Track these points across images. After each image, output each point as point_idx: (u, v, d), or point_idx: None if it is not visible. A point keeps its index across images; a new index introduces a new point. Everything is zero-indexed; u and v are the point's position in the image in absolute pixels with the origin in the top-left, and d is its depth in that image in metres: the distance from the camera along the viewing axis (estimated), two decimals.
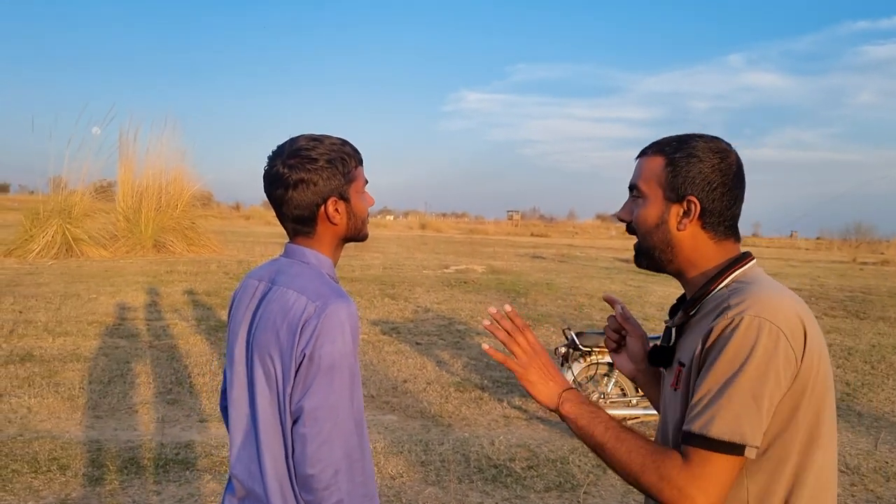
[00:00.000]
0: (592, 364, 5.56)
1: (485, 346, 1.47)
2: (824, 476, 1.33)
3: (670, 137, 1.47)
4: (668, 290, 13.50)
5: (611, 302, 1.68)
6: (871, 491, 4.69)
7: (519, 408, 6.28)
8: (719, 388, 1.24)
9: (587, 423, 1.36)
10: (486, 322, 1.44)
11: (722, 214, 1.42)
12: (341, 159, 1.65)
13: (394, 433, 5.45)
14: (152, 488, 4.27)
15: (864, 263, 30.72)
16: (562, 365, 5.57)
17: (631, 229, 1.51)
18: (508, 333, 1.44)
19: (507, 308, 1.47)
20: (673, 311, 1.53)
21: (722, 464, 1.22)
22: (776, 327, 1.25)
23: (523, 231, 55.23)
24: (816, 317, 9.26)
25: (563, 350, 5.50)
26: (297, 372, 1.53)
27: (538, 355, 1.44)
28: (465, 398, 6.49)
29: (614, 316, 1.67)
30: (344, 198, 1.68)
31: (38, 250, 14.83)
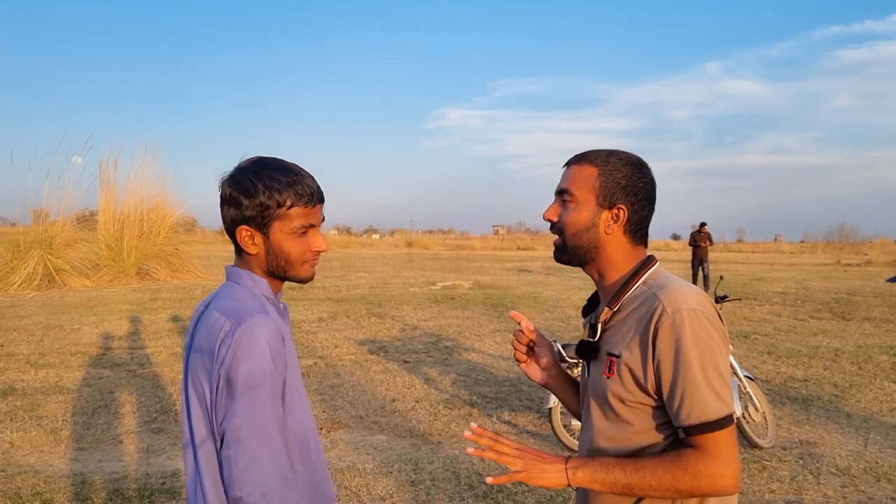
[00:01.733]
0: (580, 376, 5.54)
1: (469, 451, 1.51)
2: None
3: (598, 150, 1.63)
4: None
5: (518, 319, 1.79)
6: (863, 492, 4.68)
7: (509, 422, 6.24)
8: (693, 378, 1.41)
9: (605, 476, 1.45)
10: (470, 449, 1.49)
11: (640, 223, 1.61)
12: (269, 191, 1.58)
13: (383, 453, 5.39)
14: None
15: (848, 265, 30.99)
16: None
17: (556, 229, 1.64)
18: (493, 449, 1.50)
19: (473, 426, 1.51)
20: (586, 309, 1.72)
21: (727, 436, 1.42)
22: (707, 314, 1.45)
23: (510, 245, 55.35)
24: (802, 319, 9.33)
25: None
26: (218, 394, 1.50)
27: (525, 452, 1.51)
28: (454, 415, 6.45)
29: (521, 330, 1.80)
30: (260, 230, 1.62)
31: (19, 282, 14.70)
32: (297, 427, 1.59)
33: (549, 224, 1.67)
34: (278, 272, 1.67)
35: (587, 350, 1.63)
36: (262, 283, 1.66)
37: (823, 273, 24.98)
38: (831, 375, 8.02)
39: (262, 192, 1.58)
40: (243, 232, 1.62)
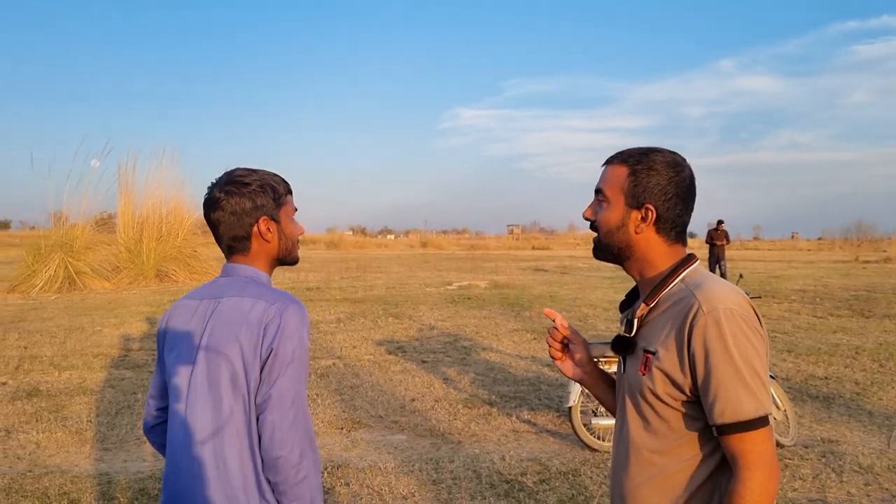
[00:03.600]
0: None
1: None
2: None
3: (634, 149, 1.64)
4: None
5: (551, 316, 1.82)
6: (887, 489, 4.66)
7: (528, 422, 6.26)
8: (727, 376, 1.41)
9: None
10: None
11: (674, 221, 1.60)
12: (272, 186, 1.86)
13: (403, 453, 5.42)
14: None
15: (867, 262, 30.71)
16: None
17: (594, 227, 1.68)
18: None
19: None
20: (624, 305, 1.73)
21: (762, 437, 1.41)
22: (744, 314, 1.45)
23: (524, 245, 55.30)
24: (821, 317, 9.28)
25: None
26: (262, 367, 1.71)
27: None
28: (473, 414, 6.47)
29: (556, 328, 1.81)
30: (274, 219, 1.87)
31: (41, 285, 14.86)
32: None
33: (586, 223, 1.70)
34: (284, 256, 1.92)
35: (623, 345, 1.64)
36: (265, 278, 1.89)
37: (842, 270, 24.77)
38: (852, 373, 7.97)
39: (269, 185, 1.86)
40: (262, 224, 1.85)
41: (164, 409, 1.93)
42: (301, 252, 2.04)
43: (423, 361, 8.59)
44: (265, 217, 1.84)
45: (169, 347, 1.85)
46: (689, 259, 1.61)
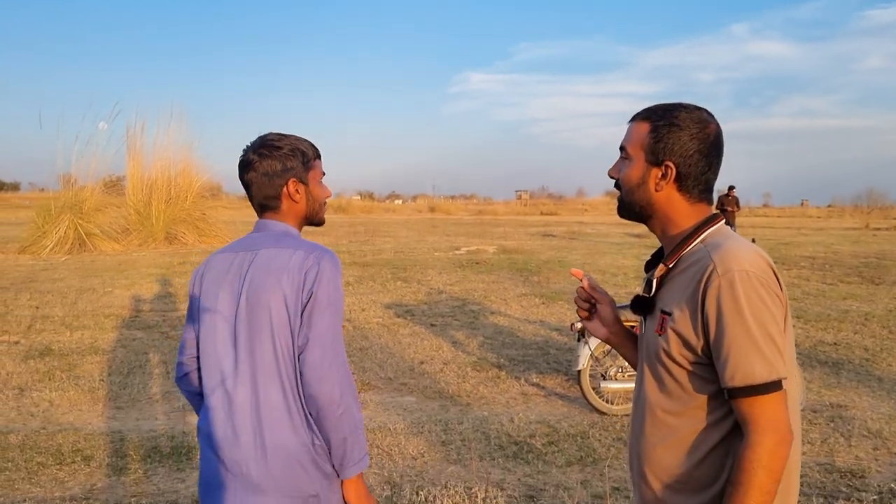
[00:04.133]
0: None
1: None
2: (792, 406, 1.46)
3: (659, 105, 1.60)
4: None
5: (578, 276, 1.81)
6: (895, 454, 4.67)
7: (537, 385, 6.28)
8: (739, 340, 1.39)
9: None
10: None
11: (696, 179, 1.56)
12: (301, 150, 2.00)
13: (413, 414, 5.46)
14: (176, 476, 4.31)
15: (878, 229, 30.50)
16: (578, 340, 5.56)
17: (617, 185, 1.66)
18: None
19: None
20: (649, 264, 1.68)
21: (774, 402, 1.39)
22: (760, 276, 1.42)
23: (532, 210, 55.14)
24: (831, 283, 9.26)
25: (578, 326, 5.48)
26: (302, 311, 1.84)
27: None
28: (482, 377, 6.50)
29: (583, 287, 1.79)
30: (303, 181, 2.00)
31: (51, 246, 14.93)
32: None
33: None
34: (312, 217, 2.06)
35: (641, 305, 1.62)
36: (296, 233, 2.02)
37: (852, 237, 24.63)
38: (861, 339, 7.95)
39: (298, 150, 1.99)
40: (292, 185, 1.98)
41: (195, 358, 2.02)
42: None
43: (432, 325, 8.62)
44: (294, 179, 1.98)
45: (206, 298, 1.96)
46: (713, 219, 1.57)
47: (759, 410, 1.38)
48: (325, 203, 2.09)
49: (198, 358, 2.01)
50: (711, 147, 1.55)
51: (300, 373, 1.86)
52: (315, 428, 1.87)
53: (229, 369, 1.91)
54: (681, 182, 1.56)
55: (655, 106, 1.60)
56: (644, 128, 1.58)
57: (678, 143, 1.54)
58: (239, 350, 1.90)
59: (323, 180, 2.10)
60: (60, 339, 7.66)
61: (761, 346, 1.38)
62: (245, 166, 2.00)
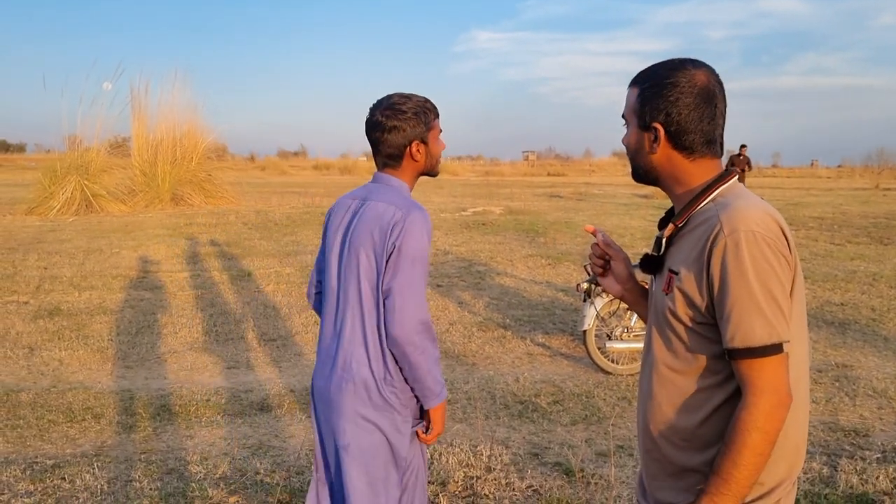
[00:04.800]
0: (615, 299, 5.54)
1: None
2: (799, 368, 1.47)
3: (649, 67, 1.59)
4: None
5: (592, 232, 1.82)
6: None
7: (542, 345, 6.31)
8: (741, 301, 1.38)
9: (726, 494, 1.40)
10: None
11: (691, 133, 1.52)
12: (424, 112, 2.18)
13: None
14: (185, 433, 4.36)
15: (888, 189, 30.25)
16: (584, 301, 5.56)
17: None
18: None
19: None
20: (662, 223, 1.65)
21: (773, 365, 1.38)
22: (767, 236, 1.40)
23: (539, 171, 54.80)
24: (839, 244, 9.19)
25: (584, 286, 5.48)
26: (387, 260, 2.07)
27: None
28: (487, 337, 6.53)
29: (597, 244, 1.80)
30: (424, 142, 2.20)
31: (58, 207, 14.94)
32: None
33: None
34: (429, 171, 2.27)
35: (649, 264, 1.61)
36: (406, 188, 2.22)
37: (861, 198, 24.45)
38: (868, 299, 7.93)
39: (422, 112, 2.18)
40: (414, 147, 2.18)
41: (319, 283, 2.35)
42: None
43: (438, 286, 8.63)
44: (417, 140, 2.18)
45: (331, 233, 2.23)
46: (725, 176, 1.54)
47: (758, 373, 1.38)
48: (440, 157, 2.31)
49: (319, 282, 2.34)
50: (699, 97, 1.51)
51: (384, 316, 2.08)
52: (390, 365, 2.11)
53: (331, 302, 2.20)
54: (675, 140, 1.53)
55: (646, 68, 1.59)
56: (634, 93, 1.58)
57: (661, 102, 1.52)
58: (340, 286, 2.17)
59: (441, 136, 2.29)
60: (69, 299, 7.71)
61: (763, 307, 1.37)
62: (372, 127, 2.18)
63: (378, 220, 2.10)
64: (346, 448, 2.13)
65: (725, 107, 1.56)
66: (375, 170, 2.29)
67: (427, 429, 2.24)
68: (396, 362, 2.11)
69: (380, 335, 2.10)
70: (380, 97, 2.23)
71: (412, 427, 2.20)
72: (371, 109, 2.20)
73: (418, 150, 2.19)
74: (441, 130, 2.29)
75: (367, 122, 2.21)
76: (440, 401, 2.19)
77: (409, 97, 2.19)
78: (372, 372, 2.11)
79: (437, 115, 2.25)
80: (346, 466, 2.14)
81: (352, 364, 2.12)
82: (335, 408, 2.15)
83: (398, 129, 2.15)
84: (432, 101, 2.25)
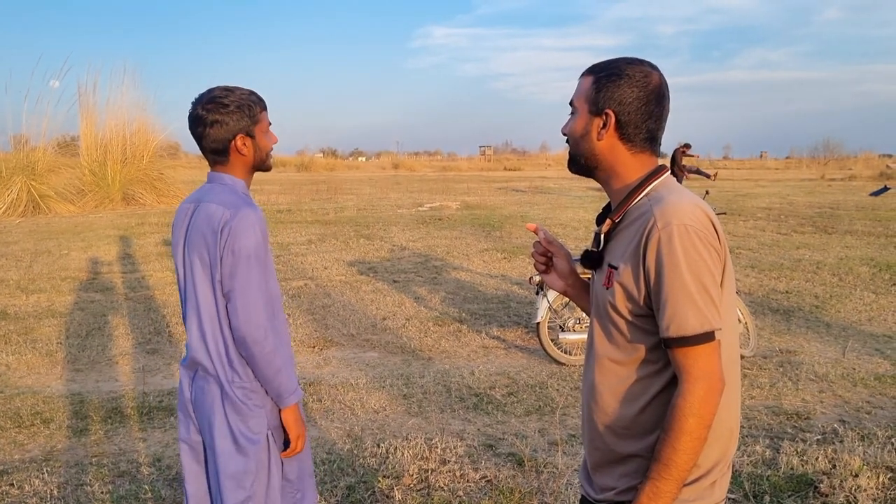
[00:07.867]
0: None
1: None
2: (729, 354, 1.53)
3: (603, 61, 1.64)
4: None
5: (534, 230, 1.85)
6: (840, 396, 4.86)
7: (497, 338, 6.37)
8: (675, 292, 1.43)
9: (668, 479, 1.45)
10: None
11: (637, 127, 1.58)
12: (248, 105, 2.10)
13: (375, 369, 5.52)
14: (138, 435, 4.32)
15: (833, 180, 31.14)
16: (537, 294, 5.64)
17: (568, 141, 1.69)
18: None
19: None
20: (599, 219, 1.69)
21: (706, 352, 1.43)
22: (699, 229, 1.45)
23: (496, 166, 55.04)
24: (785, 234, 9.43)
25: (537, 279, 5.55)
26: (222, 262, 2.03)
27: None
28: (443, 331, 6.57)
29: (539, 241, 1.84)
30: (250, 135, 2.13)
31: (3, 209, 14.58)
32: (273, 291, 2.14)
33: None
34: (259, 166, 2.20)
35: (590, 259, 1.65)
36: (241, 184, 2.17)
37: (808, 188, 25.13)
38: (812, 287, 8.19)
39: (245, 106, 2.10)
40: (239, 141, 2.11)
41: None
42: (271, 175, 2.26)
43: (395, 281, 8.65)
44: (241, 134, 2.10)
45: (175, 240, 2.19)
46: (658, 171, 1.60)
47: (693, 360, 1.43)
48: (271, 152, 2.23)
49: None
50: (652, 96, 1.58)
51: (229, 319, 2.05)
52: (238, 367, 2.09)
53: (183, 309, 2.20)
54: (622, 130, 1.57)
55: (603, 61, 1.64)
56: (588, 81, 1.62)
57: (617, 91, 1.56)
58: (186, 293, 2.15)
59: (270, 129, 2.21)
60: (16, 302, 7.54)
61: (695, 298, 1.42)
62: (194, 121, 2.11)
63: (209, 222, 2.05)
64: (210, 447, 2.15)
65: (668, 113, 1.63)
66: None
67: (285, 441, 2.19)
68: (247, 364, 2.09)
69: (224, 338, 2.08)
70: (201, 92, 2.14)
71: (266, 430, 2.15)
72: (192, 104, 2.11)
73: (244, 144, 2.12)
74: (270, 123, 2.21)
75: (188, 117, 2.13)
76: (296, 399, 2.16)
77: (231, 90, 2.11)
78: (218, 375, 2.09)
79: (264, 108, 2.17)
80: (210, 466, 2.17)
81: (199, 369, 2.14)
82: (198, 409, 2.17)
83: (220, 123, 2.07)
84: (259, 93, 2.17)
